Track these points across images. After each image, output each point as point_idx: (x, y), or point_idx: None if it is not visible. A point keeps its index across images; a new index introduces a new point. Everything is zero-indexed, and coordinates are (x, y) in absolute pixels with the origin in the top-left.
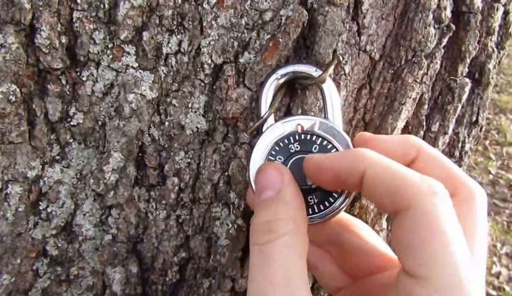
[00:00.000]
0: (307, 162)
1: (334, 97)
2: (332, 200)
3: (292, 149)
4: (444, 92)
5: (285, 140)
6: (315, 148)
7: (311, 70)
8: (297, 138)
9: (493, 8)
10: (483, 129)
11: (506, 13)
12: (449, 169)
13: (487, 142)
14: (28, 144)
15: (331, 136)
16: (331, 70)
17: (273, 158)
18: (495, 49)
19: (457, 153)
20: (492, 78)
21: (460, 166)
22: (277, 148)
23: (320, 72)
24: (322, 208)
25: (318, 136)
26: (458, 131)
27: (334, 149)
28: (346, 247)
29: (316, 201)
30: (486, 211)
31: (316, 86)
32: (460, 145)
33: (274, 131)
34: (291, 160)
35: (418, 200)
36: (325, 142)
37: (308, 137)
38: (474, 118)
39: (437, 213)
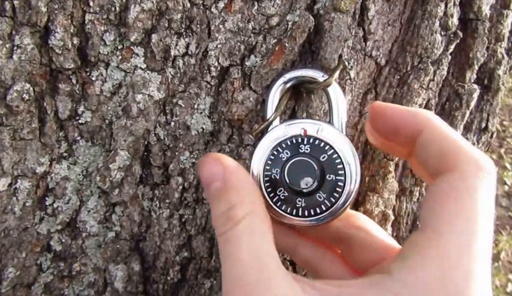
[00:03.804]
0: (373, 105)
1: (340, 101)
2: (329, 205)
3: (302, 150)
4: (451, 98)
5: (288, 142)
6: (323, 157)
7: (318, 75)
8: (306, 141)
9: (503, 14)
10: (494, 136)
11: None
12: (455, 141)
13: (502, 151)
14: (38, 140)
15: (338, 145)
16: (336, 75)
17: (278, 153)
18: (505, 56)
19: None
20: (502, 84)
21: None
22: (279, 150)
23: (326, 77)
24: (307, 213)
25: (326, 143)
26: (467, 138)
27: (341, 165)
28: (354, 242)
29: (303, 205)
30: (495, 188)
31: (321, 90)
32: None
33: (277, 132)
34: (296, 158)
35: (463, 166)
36: (335, 155)
37: (317, 142)
38: (483, 125)
39: (476, 183)
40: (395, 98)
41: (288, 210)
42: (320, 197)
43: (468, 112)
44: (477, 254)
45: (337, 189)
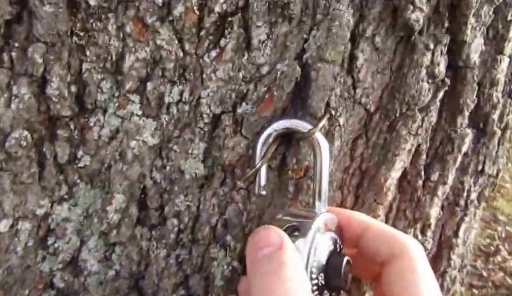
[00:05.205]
0: None
1: (323, 151)
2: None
3: (328, 247)
4: (444, 142)
5: (319, 239)
6: (338, 248)
7: (303, 126)
8: (327, 236)
9: (496, 60)
10: (499, 176)
11: None
12: (393, 234)
13: None
14: (38, 184)
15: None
16: (321, 124)
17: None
18: (500, 100)
19: (462, 202)
20: (498, 127)
21: (465, 215)
22: (317, 248)
23: (307, 125)
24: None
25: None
26: (463, 180)
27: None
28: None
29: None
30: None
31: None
32: (465, 194)
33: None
34: (344, 259)
35: (410, 247)
36: (338, 241)
37: (332, 235)
38: (480, 167)
39: (421, 261)
40: (385, 143)
41: None
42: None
43: (460, 156)
44: None
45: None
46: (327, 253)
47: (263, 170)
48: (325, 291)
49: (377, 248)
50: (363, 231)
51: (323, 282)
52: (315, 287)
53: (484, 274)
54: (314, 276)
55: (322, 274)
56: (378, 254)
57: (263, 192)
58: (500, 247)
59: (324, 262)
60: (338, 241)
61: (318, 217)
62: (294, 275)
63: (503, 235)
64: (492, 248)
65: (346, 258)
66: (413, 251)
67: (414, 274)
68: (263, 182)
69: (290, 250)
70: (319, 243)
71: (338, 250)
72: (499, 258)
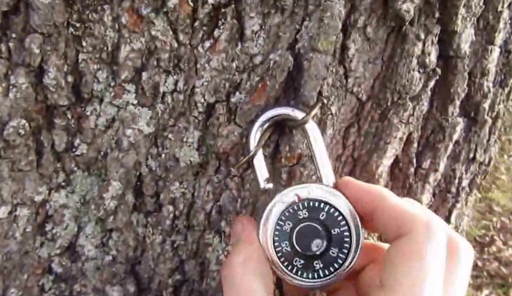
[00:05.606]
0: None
1: (317, 138)
2: (340, 262)
3: (300, 216)
4: (436, 130)
5: (286, 213)
6: (322, 216)
7: (296, 114)
8: (302, 206)
9: (487, 50)
10: (491, 163)
11: (508, 52)
12: (405, 211)
13: None
14: (36, 171)
15: (331, 199)
16: (313, 113)
17: (280, 226)
18: (491, 89)
19: (453, 189)
20: (489, 116)
21: (457, 201)
22: (280, 223)
23: (300, 113)
24: (328, 272)
25: (320, 201)
26: (455, 168)
27: (340, 216)
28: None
29: (321, 266)
30: (444, 244)
31: (301, 126)
32: (456, 181)
33: (273, 207)
34: (299, 226)
35: (412, 231)
36: (331, 210)
37: (311, 204)
38: (471, 155)
39: (424, 245)
40: (377, 131)
41: (310, 276)
42: (333, 253)
43: (451, 144)
44: None
45: (345, 239)
46: (294, 222)
47: (263, 164)
48: (296, 258)
49: (386, 225)
50: (376, 206)
51: (288, 249)
52: (279, 254)
53: (479, 264)
54: (277, 244)
55: (286, 242)
56: (387, 232)
57: (269, 185)
58: (495, 237)
59: (288, 230)
60: (322, 208)
61: (284, 191)
62: (245, 271)
63: (498, 226)
64: (487, 239)
65: (308, 224)
66: (413, 234)
67: (403, 260)
68: (265, 175)
69: (242, 242)
70: (284, 213)
71: (322, 217)
72: (494, 248)
